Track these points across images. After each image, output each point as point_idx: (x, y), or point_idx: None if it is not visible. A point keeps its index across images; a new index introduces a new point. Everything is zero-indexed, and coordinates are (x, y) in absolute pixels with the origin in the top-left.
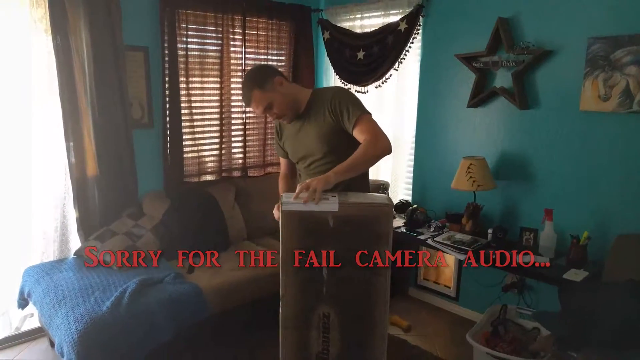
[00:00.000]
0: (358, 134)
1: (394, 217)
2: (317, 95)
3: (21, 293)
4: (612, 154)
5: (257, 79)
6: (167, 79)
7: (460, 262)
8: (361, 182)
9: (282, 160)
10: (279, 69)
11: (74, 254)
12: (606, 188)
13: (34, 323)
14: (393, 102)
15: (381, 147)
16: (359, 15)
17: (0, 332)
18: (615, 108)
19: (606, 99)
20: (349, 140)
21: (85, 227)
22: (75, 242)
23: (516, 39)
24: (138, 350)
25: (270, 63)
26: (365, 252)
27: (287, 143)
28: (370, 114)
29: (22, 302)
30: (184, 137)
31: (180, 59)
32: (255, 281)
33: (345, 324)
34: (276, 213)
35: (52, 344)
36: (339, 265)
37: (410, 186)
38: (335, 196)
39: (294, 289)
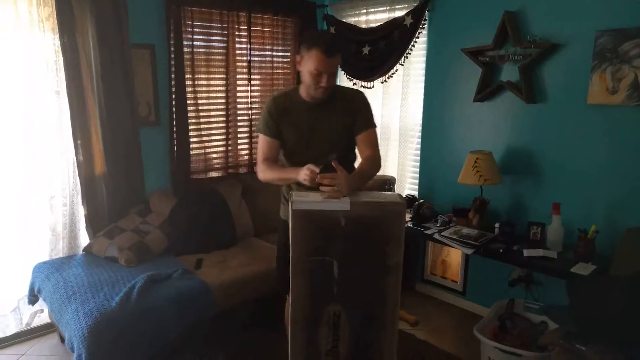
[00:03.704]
0: (362, 142)
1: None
2: (339, 90)
3: (31, 289)
4: (620, 147)
5: (341, 48)
6: (173, 76)
7: (467, 257)
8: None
9: (270, 142)
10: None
11: (83, 250)
12: (614, 181)
13: (44, 319)
14: (399, 96)
15: (380, 166)
16: (364, 11)
17: (11, 327)
18: (623, 101)
19: (614, 92)
20: (350, 144)
21: (93, 224)
22: (84, 239)
23: (523, 33)
24: (147, 344)
25: (275, 60)
26: (376, 250)
27: (291, 127)
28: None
29: (32, 298)
30: (191, 134)
31: (186, 56)
32: (263, 277)
33: (355, 323)
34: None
35: (62, 340)
36: (350, 263)
37: (417, 181)
38: (346, 195)
39: (304, 288)
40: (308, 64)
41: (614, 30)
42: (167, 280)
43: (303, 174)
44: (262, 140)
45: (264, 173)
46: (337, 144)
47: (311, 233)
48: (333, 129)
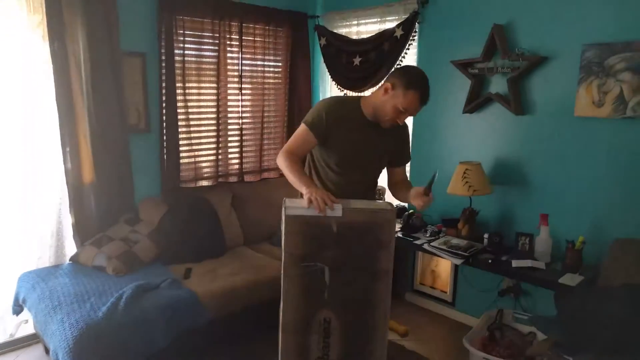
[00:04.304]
0: (402, 170)
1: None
2: None
3: (16, 299)
4: (607, 159)
5: None
6: (164, 84)
7: (456, 267)
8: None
9: (309, 139)
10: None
11: (70, 260)
12: (601, 193)
13: (28, 329)
14: None
15: None
16: (355, 22)
17: None
18: (609, 114)
19: (601, 105)
20: (381, 170)
21: (81, 232)
22: (71, 248)
23: (511, 46)
24: (134, 356)
25: (266, 69)
26: (367, 257)
27: (340, 138)
28: None
29: (17, 308)
30: (181, 142)
31: (177, 65)
32: (252, 287)
33: (346, 329)
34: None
35: (47, 351)
36: (341, 269)
37: None
38: (338, 202)
39: (295, 294)
40: (399, 99)
41: (600, 45)
42: (155, 290)
43: (308, 193)
44: (302, 131)
45: (282, 161)
46: (375, 167)
47: (303, 239)
48: (378, 153)
